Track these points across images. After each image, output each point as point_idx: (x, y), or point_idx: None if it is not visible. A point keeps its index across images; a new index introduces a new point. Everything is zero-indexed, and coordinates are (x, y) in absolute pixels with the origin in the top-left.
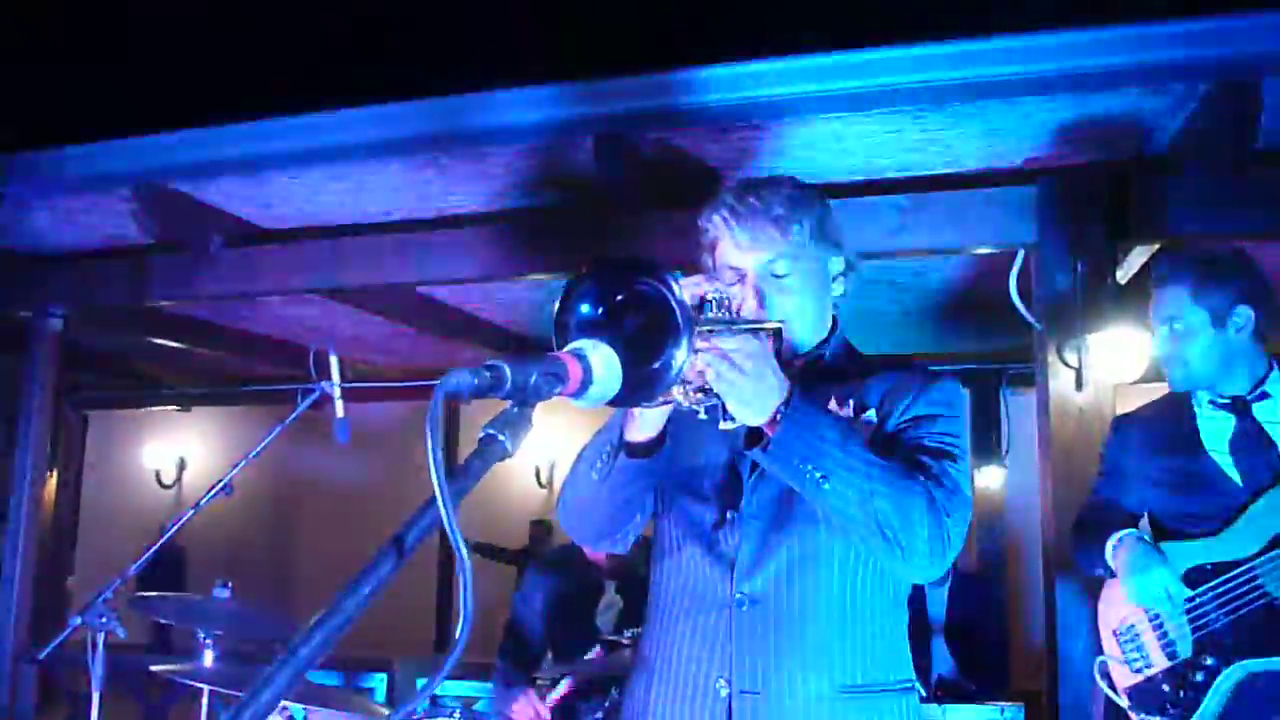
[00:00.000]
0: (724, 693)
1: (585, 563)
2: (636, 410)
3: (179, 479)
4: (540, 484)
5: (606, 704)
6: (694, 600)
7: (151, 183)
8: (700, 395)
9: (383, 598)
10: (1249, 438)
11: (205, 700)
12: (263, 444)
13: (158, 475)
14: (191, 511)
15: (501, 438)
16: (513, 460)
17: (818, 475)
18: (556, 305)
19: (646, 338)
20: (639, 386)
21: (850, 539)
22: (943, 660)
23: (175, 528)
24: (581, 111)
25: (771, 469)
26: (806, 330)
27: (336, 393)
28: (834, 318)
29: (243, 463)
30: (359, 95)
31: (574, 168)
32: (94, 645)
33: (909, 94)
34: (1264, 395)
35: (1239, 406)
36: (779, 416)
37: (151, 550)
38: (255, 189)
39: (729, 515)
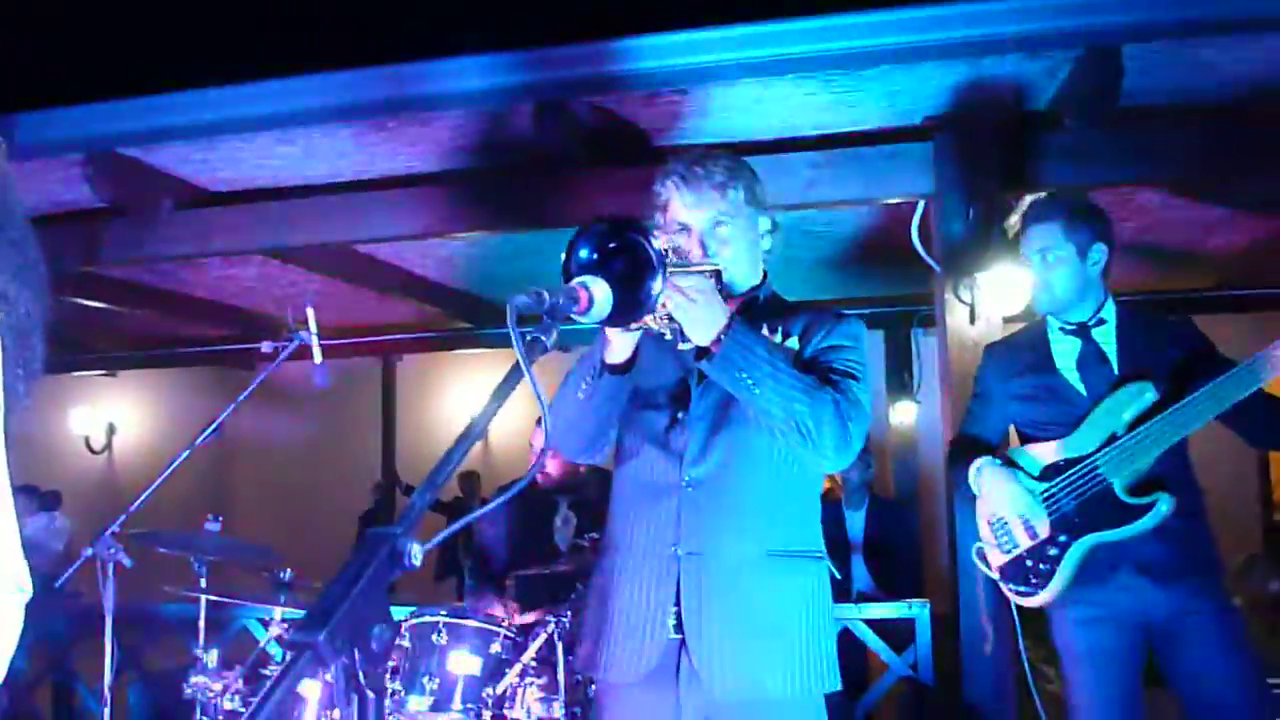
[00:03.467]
0: (674, 554)
1: (539, 487)
2: (614, 339)
3: (109, 444)
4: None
5: (573, 596)
6: (650, 488)
7: (103, 149)
8: (665, 321)
9: (329, 536)
10: (1091, 357)
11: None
12: (249, 389)
13: (87, 441)
14: (186, 452)
15: (542, 338)
16: (447, 414)
17: (750, 382)
18: (565, 251)
19: (631, 275)
20: (625, 310)
21: (774, 435)
22: (861, 577)
23: (173, 465)
24: (522, 79)
25: (715, 377)
26: (741, 274)
27: (315, 341)
28: (764, 270)
29: (231, 407)
30: (308, 62)
31: (514, 131)
32: (104, 573)
33: (820, 60)
34: (1101, 321)
35: (1083, 331)
36: (722, 337)
37: (152, 487)
38: (204, 153)
39: (679, 417)
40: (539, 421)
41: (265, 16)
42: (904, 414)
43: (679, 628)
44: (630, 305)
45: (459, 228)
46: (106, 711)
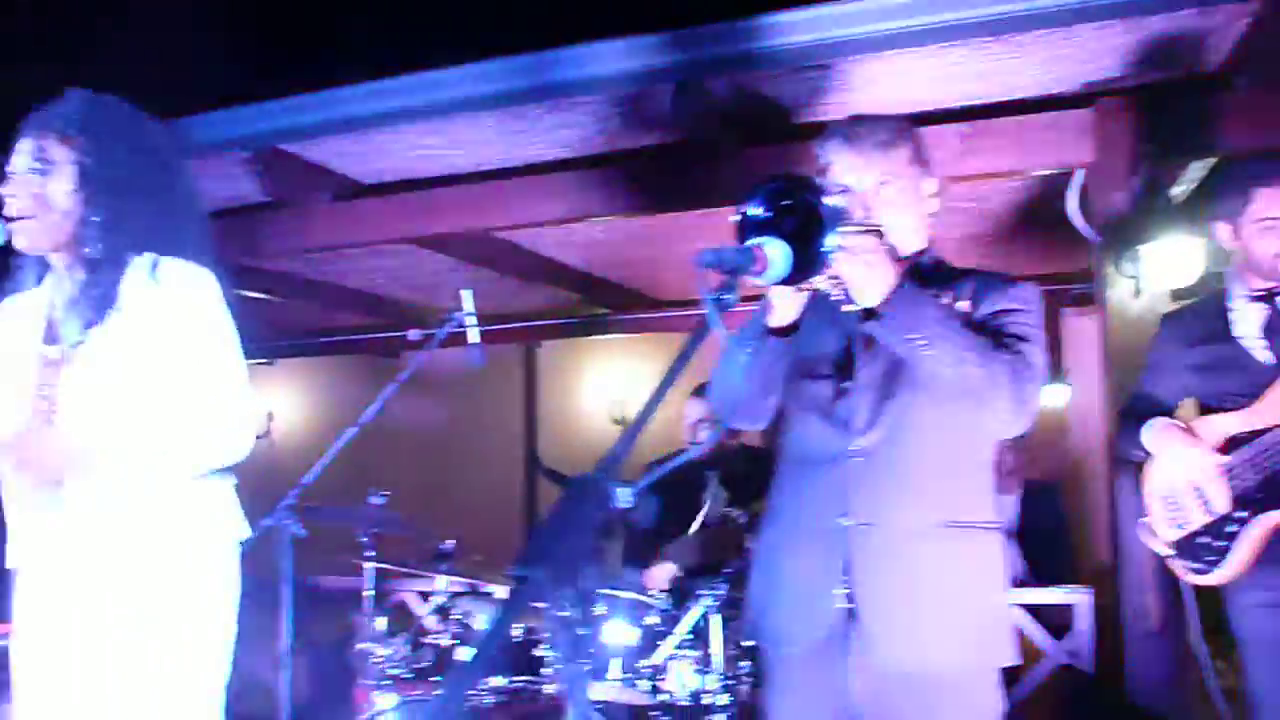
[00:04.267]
0: (842, 524)
1: (692, 460)
2: (779, 300)
3: (268, 431)
4: (615, 421)
5: (727, 570)
6: (815, 458)
7: (266, 146)
8: (833, 281)
9: (473, 518)
10: (1277, 322)
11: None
12: (406, 373)
13: None
14: (354, 429)
15: (725, 297)
16: (587, 399)
17: (921, 343)
18: (739, 209)
19: (804, 232)
20: (801, 269)
21: (944, 401)
22: (1014, 563)
23: (342, 442)
24: (662, 60)
25: (884, 339)
26: (906, 237)
27: (471, 322)
28: (930, 234)
29: (394, 386)
30: (453, 55)
31: (653, 113)
32: (282, 543)
33: (972, 27)
34: None
35: (1270, 297)
36: (891, 297)
37: (323, 461)
38: (357, 147)
39: (844, 387)
40: (695, 392)
41: (412, 13)
42: (1053, 397)
43: (849, 598)
44: (805, 263)
45: (599, 212)
46: (285, 676)
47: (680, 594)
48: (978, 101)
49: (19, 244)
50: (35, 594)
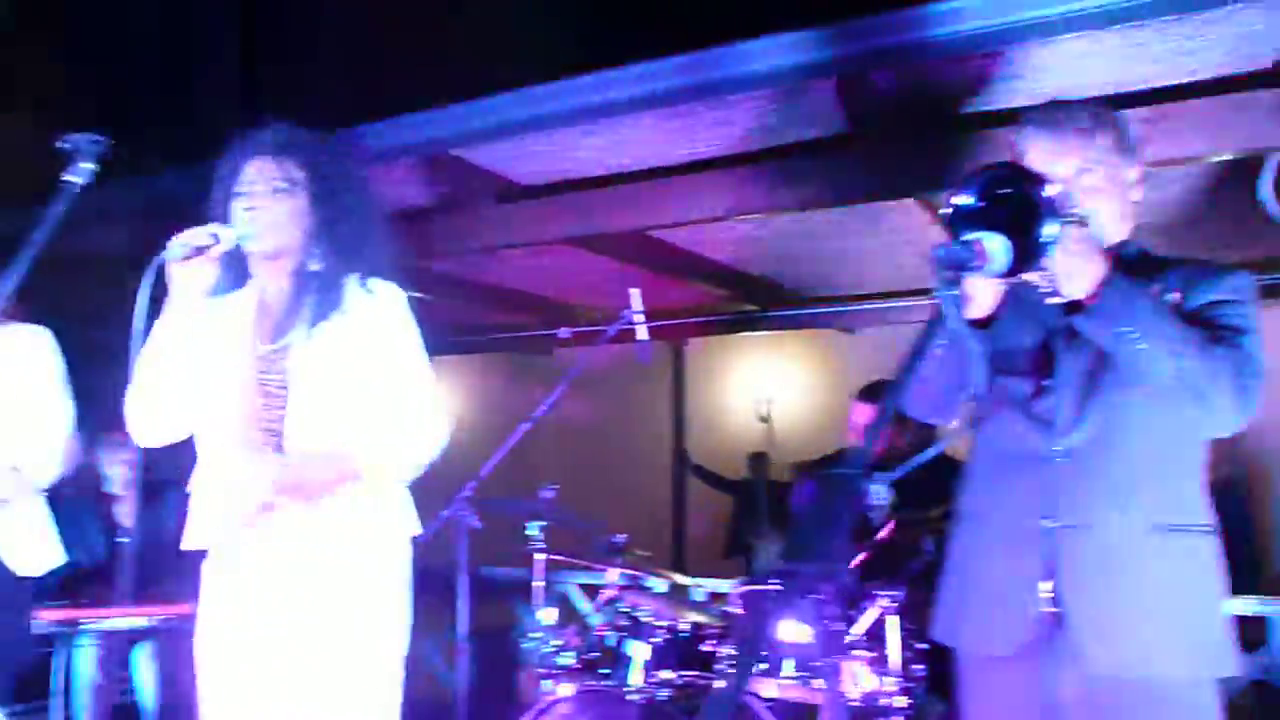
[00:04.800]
0: (1046, 526)
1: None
2: (977, 292)
3: None
4: (760, 419)
5: (902, 572)
6: (1014, 458)
7: (435, 151)
8: (1039, 272)
9: (622, 515)
10: None
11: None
12: (577, 369)
13: None
14: (528, 424)
15: (954, 292)
16: (734, 397)
17: (1133, 336)
18: (949, 201)
19: (1020, 223)
20: (1022, 260)
21: (1155, 398)
22: None
23: (516, 436)
24: (823, 54)
25: (1092, 333)
26: (1109, 226)
27: (639, 319)
28: (1134, 224)
29: (565, 383)
30: (612, 56)
31: (813, 107)
32: (458, 534)
33: (1154, 6)
34: None
35: None
36: (1100, 289)
37: (497, 456)
38: (519, 150)
39: (1044, 384)
40: (862, 395)
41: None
42: None
43: (1054, 602)
44: (1025, 255)
45: (760, 208)
46: (463, 663)
47: (856, 594)
48: (1160, 84)
49: (253, 247)
50: (225, 582)
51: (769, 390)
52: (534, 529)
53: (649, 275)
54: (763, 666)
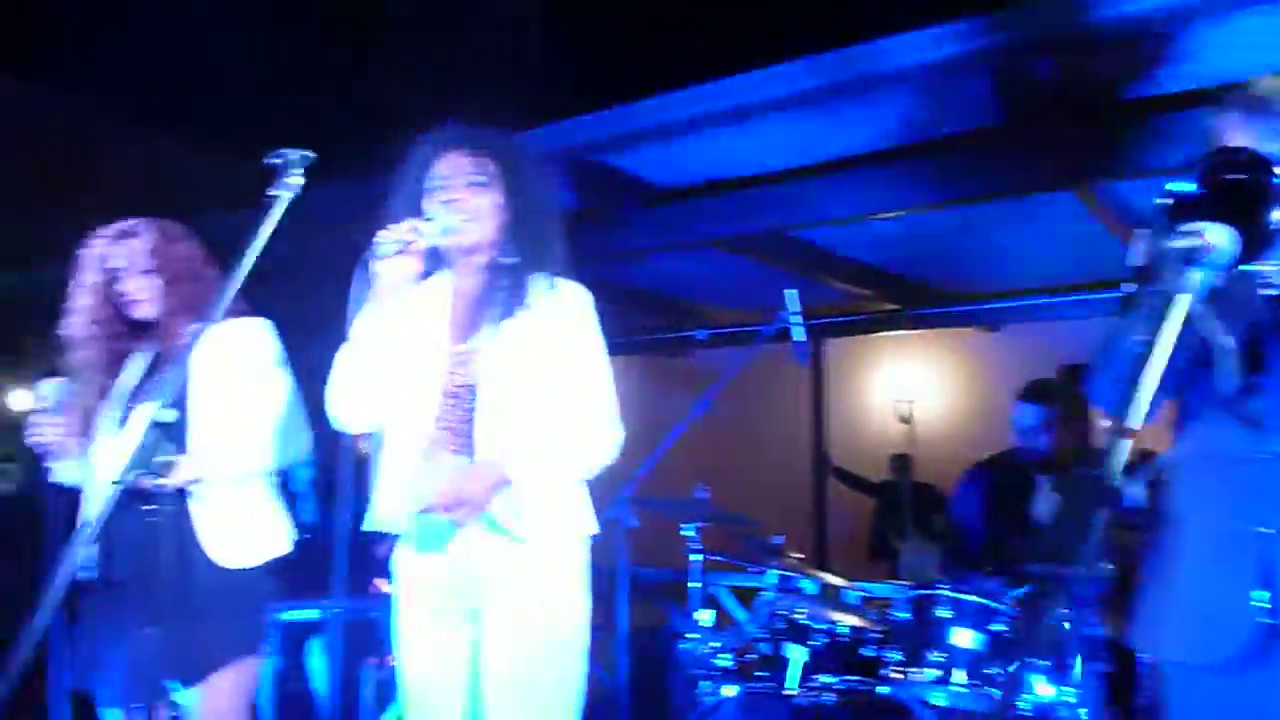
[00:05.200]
0: (1260, 531)
1: (1018, 463)
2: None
3: None
4: (901, 420)
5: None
6: (1221, 459)
7: (582, 157)
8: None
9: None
10: None
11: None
12: (735, 370)
13: None
14: (683, 426)
15: (1187, 286)
16: (874, 397)
17: None
18: (1168, 189)
19: (1248, 213)
20: (1250, 250)
21: None
22: None
23: (672, 438)
24: (977, 45)
25: None
26: None
27: (795, 320)
28: None
29: (721, 385)
30: (756, 57)
31: (964, 100)
32: (618, 535)
33: None
34: None
35: None
36: None
37: (652, 459)
38: (663, 154)
39: (1254, 381)
40: (1026, 395)
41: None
42: None
43: (1271, 613)
44: (1253, 244)
45: (907, 204)
46: (624, 663)
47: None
48: None
49: (450, 242)
50: (412, 572)
51: (910, 390)
52: (690, 530)
53: (788, 275)
54: (934, 674)
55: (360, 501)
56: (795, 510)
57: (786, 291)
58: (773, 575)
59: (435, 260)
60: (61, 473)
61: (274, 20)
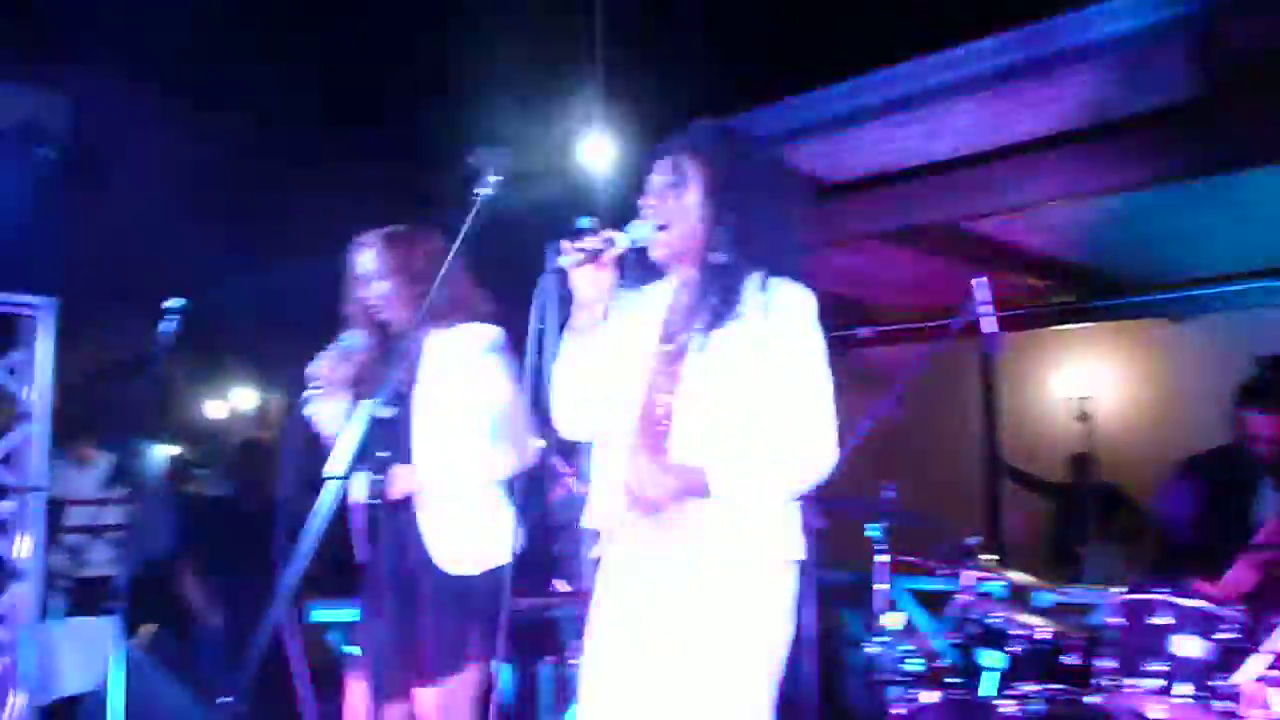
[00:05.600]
0: None
1: (1239, 462)
2: None
3: None
4: (1079, 418)
5: None
6: None
7: None
8: None
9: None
10: None
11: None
12: (919, 365)
13: None
14: (869, 422)
15: None
16: (1049, 395)
17: None
18: None
19: None
20: None
21: None
22: None
23: (859, 436)
24: (1175, 12)
25: None
26: None
27: (985, 311)
28: None
29: (904, 382)
30: (927, 41)
31: (1157, 74)
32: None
33: None
34: None
35: None
36: None
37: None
38: (831, 146)
39: None
40: (1247, 396)
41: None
42: None
43: None
44: None
45: (1093, 189)
46: (810, 667)
47: (1262, 606)
48: None
49: (656, 252)
50: (613, 573)
51: (1088, 387)
52: (875, 530)
53: (957, 268)
54: (1154, 684)
55: (534, 506)
56: (967, 512)
57: (974, 281)
58: (966, 578)
59: (648, 268)
60: (316, 414)
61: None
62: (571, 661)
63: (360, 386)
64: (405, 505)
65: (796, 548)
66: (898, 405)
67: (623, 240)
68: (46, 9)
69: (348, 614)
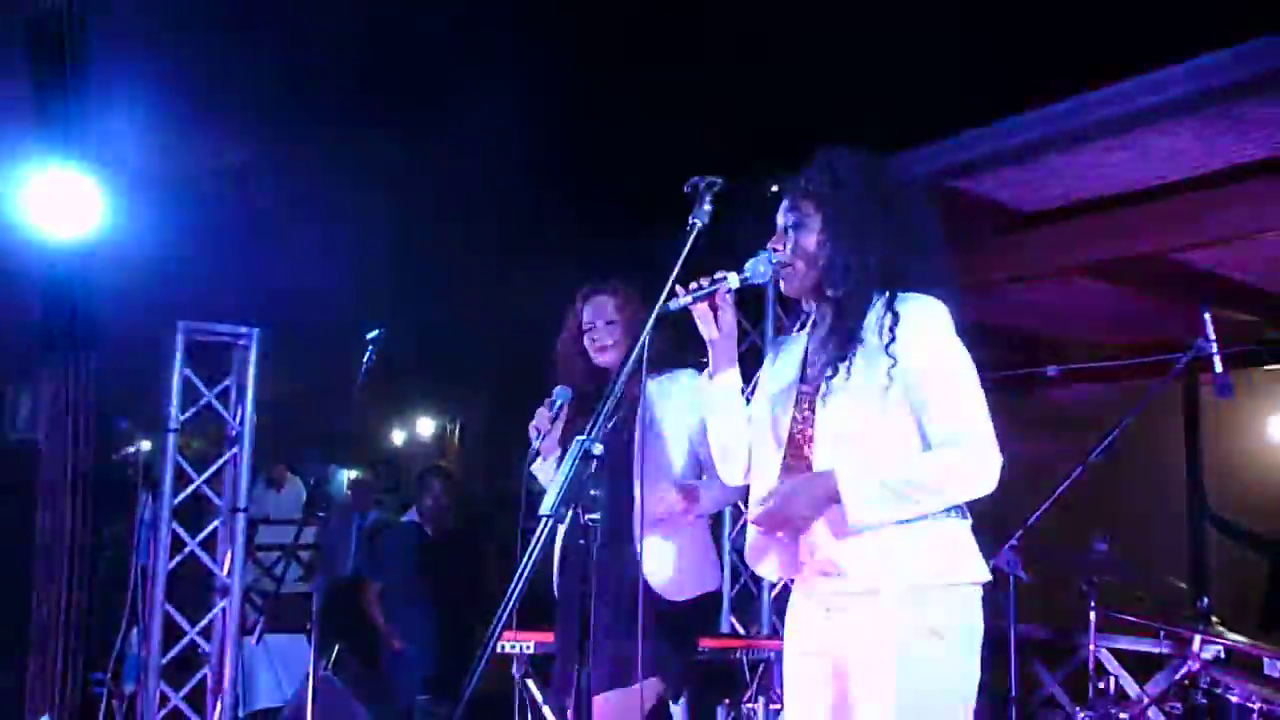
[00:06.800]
0: None
1: None
2: None
3: None
4: None
5: None
6: None
7: (932, 183)
8: None
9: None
10: None
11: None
12: (1143, 404)
13: None
14: (1079, 469)
15: None
16: (1264, 439)
17: None
18: None
19: None
20: None
21: None
22: None
23: (1065, 485)
24: None
25: None
26: None
27: (1214, 349)
28: None
29: (1125, 421)
30: (1138, 62)
31: None
32: (1006, 586)
33: None
34: None
35: None
36: None
37: (1044, 506)
38: (1024, 174)
39: None
40: None
41: (1078, 24)
42: None
43: None
44: None
45: None
46: None
47: None
48: None
49: (784, 289)
50: (795, 615)
51: None
52: (1085, 584)
53: (1157, 303)
54: None
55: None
56: (1169, 568)
57: (1205, 315)
58: (1196, 642)
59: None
60: (537, 471)
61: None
62: (747, 704)
63: (571, 432)
64: (621, 538)
65: (977, 569)
66: (1111, 450)
67: (734, 279)
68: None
69: (527, 645)
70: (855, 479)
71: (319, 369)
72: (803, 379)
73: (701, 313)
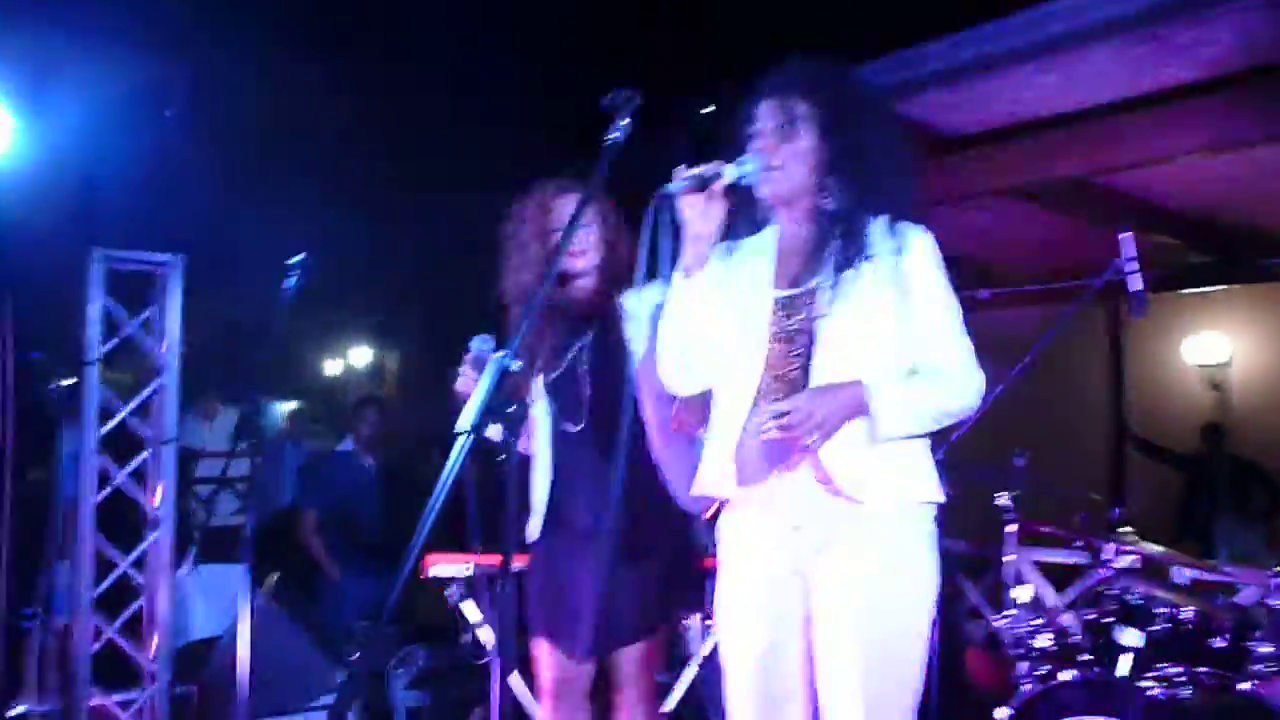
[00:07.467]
0: None
1: None
2: None
3: None
4: (1213, 386)
5: None
6: None
7: None
8: None
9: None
10: None
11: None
12: (1060, 325)
13: None
14: (1000, 388)
15: None
16: (1180, 361)
17: None
18: None
19: None
20: None
21: None
22: None
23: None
24: None
25: None
26: None
27: (1132, 268)
28: None
29: (1041, 345)
30: None
31: None
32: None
33: None
34: None
35: None
36: None
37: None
38: (951, 97)
39: None
40: None
41: None
42: None
43: None
44: None
45: (1250, 138)
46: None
47: None
48: None
49: (765, 190)
50: (740, 540)
51: (1222, 353)
52: (1004, 498)
53: (1084, 227)
54: None
55: None
56: (1090, 484)
57: (1122, 236)
58: (1108, 551)
59: (754, 216)
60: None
61: None
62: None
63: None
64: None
65: (935, 491)
66: (1028, 371)
67: (731, 172)
68: None
69: (462, 569)
70: (887, 393)
71: (247, 300)
72: (785, 287)
73: (693, 201)
